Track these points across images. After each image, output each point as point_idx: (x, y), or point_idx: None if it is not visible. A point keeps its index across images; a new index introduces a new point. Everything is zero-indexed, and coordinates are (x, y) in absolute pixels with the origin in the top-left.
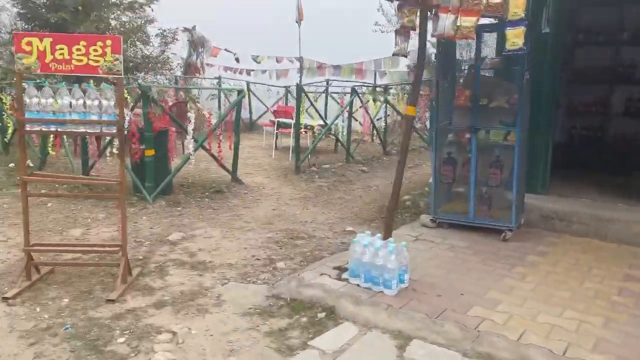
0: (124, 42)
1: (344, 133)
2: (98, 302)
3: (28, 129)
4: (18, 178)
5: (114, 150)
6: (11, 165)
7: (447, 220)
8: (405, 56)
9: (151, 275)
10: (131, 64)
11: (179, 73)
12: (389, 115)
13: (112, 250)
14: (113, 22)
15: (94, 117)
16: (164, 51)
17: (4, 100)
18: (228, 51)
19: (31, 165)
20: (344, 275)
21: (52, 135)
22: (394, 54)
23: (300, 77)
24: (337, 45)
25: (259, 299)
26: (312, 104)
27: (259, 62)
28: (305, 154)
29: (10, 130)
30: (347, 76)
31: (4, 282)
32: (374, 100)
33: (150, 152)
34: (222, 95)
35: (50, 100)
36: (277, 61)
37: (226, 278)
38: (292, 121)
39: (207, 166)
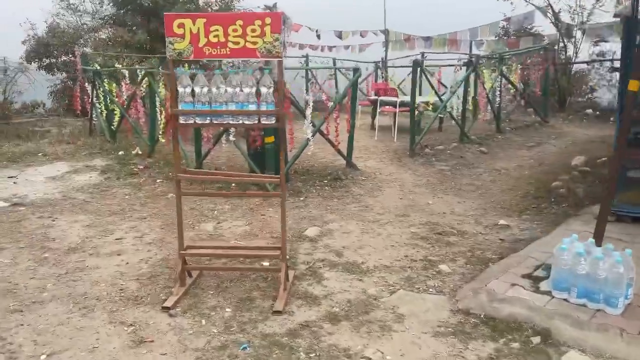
0: None
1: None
2: (263, 312)
3: (182, 122)
4: (138, 167)
5: (231, 137)
6: (120, 153)
7: (631, 213)
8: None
9: (306, 279)
10: None
11: None
12: (505, 88)
13: (272, 256)
14: (201, 2)
15: (252, 107)
16: None
17: (111, 88)
18: (309, 28)
19: (139, 152)
20: (542, 287)
21: (162, 121)
22: (615, 15)
23: (386, 51)
24: (426, 14)
25: (444, 314)
26: (428, 79)
27: (344, 38)
28: (421, 134)
29: (117, 118)
30: (439, 48)
31: (156, 288)
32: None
33: (270, 139)
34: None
35: (205, 89)
36: (361, 35)
37: (390, 284)
38: (397, 99)
39: (314, 151)
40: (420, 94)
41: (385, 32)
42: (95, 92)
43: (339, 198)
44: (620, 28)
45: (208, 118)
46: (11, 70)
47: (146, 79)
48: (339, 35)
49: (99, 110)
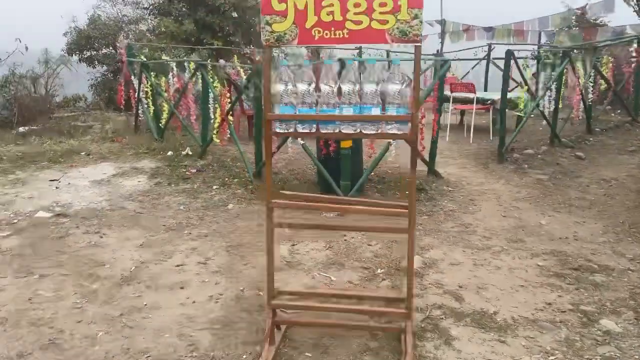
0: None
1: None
2: None
3: (279, 131)
4: (190, 171)
5: (300, 140)
6: (169, 153)
7: None
8: None
9: (429, 337)
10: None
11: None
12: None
13: (395, 314)
14: None
15: (376, 111)
16: None
17: (159, 82)
18: None
19: (190, 153)
20: None
21: (216, 120)
22: None
23: (442, 42)
24: (487, 2)
25: None
26: (521, 73)
27: None
28: (511, 136)
29: (165, 115)
30: (502, 39)
31: (235, 343)
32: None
33: (347, 144)
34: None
35: (312, 86)
36: None
37: (547, 351)
38: (474, 95)
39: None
40: (485, 90)
41: (442, 22)
42: (141, 86)
43: (429, 214)
44: None
45: (313, 126)
46: (53, 62)
47: (198, 72)
48: None
49: (146, 105)
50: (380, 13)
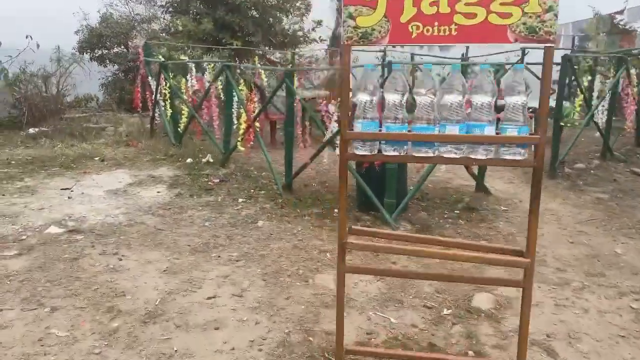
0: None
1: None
2: None
3: (360, 152)
4: (212, 181)
5: (337, 148)
6: (189, 160)
7: None
8: None
9: None
10: (284, 39)
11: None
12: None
13: None
14: None
15: (489, 130)
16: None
17: (178, 84)
18: None
19: (211, 161)
20: None
21: (241, 126)
22: None
23: (467, 46)
24: None
25: None
26: (578, 82)
27: None
28: (566, 150)
29: (184, 119)
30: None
31: None
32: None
33: None
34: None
35: (403, 97)
36: None
37: None
38: None
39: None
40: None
41: None
42: (159, 87)
43: (486, 239)
44: None
45: (404, 147)
46: (65, 60)
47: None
48: None
49: (163, 108)
50: (502, 4)
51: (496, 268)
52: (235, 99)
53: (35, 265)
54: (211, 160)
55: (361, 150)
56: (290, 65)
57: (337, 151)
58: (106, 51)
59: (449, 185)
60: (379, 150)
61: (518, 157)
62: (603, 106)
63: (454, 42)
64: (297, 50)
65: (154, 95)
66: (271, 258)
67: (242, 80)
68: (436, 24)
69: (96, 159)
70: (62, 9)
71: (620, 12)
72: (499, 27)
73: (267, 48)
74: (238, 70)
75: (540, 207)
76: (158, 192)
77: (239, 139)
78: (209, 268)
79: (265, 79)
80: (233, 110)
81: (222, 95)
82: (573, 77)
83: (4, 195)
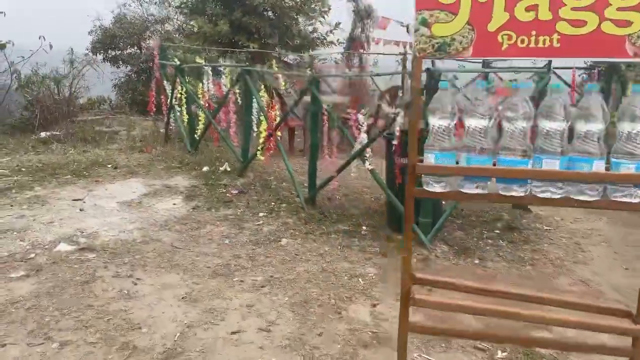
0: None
1: None
2: None
3: (434, 189)
4: (231, 192)
5: (367, 165)
6: (205, 169)
7: None
8: None
9: None
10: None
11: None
12: None
13: None
14: None
15: (599, 166)
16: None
17: (195, 88)
18: (400, 23)
19: (228, 169)
20: None
21: (261, 134)
22: None
23: None
24: None
25: None
26: (621, 95)
27: None
28: None
29: (201, 125)
30: None
31: None
32: None
33: None
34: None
35: (483, 122)
36: None
37: None
38: None
39: None
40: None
41: None
42: (174, 91)
43: (533, 264)
44: None
45: (487, 183)
46: (78, 62)
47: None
48: None
49: (178, 113)
50: (619, 9)
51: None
52: (255, 105)
53: (44, 290)
54: (228, 169)
55: (435, 186)
56: (309, 68)
57: (367, 165)
58: (119, 52)
59: (482, 202)
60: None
61: (634, 200)
62: None
63: (556, 55)
64: (311, 52)
65: (169, 100)
66: (298, 284)
67: (262, 86)
68: (534, 33)
69: (109, 166)
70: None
71: None
72: (614, 38)
73: (283, 51)
74: (266, 74)
75: (584, 225)
76: (174, 204)
77: (259, 147)
78: (231, 295)
79: (283, 84)
80: (252, 117)
81: (239, 101)
82: None
83: (12, 206)
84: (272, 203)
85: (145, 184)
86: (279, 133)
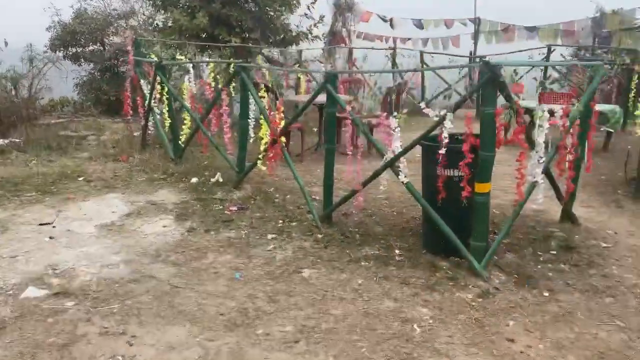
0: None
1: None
2: None
3: None
4: (229, 209)
5: (402, 177)
6: (194, 180)
7: None
8: None
9: None
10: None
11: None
12: None
13: None
14: None
15: None
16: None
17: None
18: (382, 18)
19: (221, 180)
20: None
21: (263, 140)
22: None
23: (475, 44)
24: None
25: None
26: None
27: (425, 28)
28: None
29: (186, 129)
30: (548, 39)
31: None
32: None
33: (485, 187)
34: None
35: None
36: (446, 25)
37: None
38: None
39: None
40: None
41: (476, 21)
42: (153, 91)
43: (613, 295)
44: None
45: None
46: (38, 60)
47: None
48: (419, 25)
49: (159, 116)
50: None
51: None
52: (253, 106)
53: None
54: (221, 180)
55: None
56: (298, 64)
57: (402, 177)
58: (81, 49)
59: (523, 213)
60: None
61: None
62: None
63: None
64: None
65: (146, 101)
66: (340, 335)
67: (262, 86)
68: None
69: (80, 179)
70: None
71: None
72: None
73: (267, 46)
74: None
75: None
76: (164, 226)
77: (260, 155)
78: (258, 356)
79: (271, 80)
80: (250, 120)
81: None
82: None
83: None
84: (280, 221)
85: (126, 200)
86: (283, 139)
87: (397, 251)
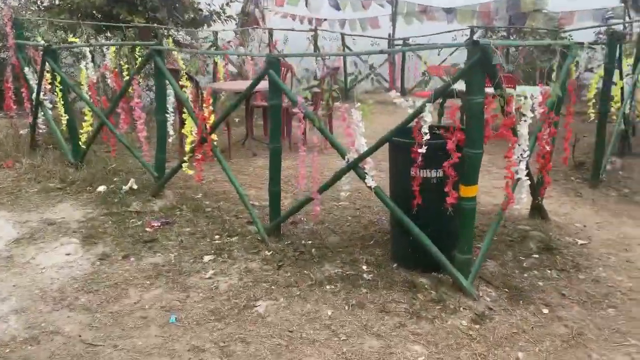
0: None
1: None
2: None
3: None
4: (151, 225)
5: (370, 182)
6: (101, 189)
7: None
8: None
9: None
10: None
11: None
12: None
13: None
14: None
15: None
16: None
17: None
18: None
19: (135, 187)
20: None
21: (188, 138)
22: None
23: (393, 26)
24: None
25: None
26: (620, 66)
27: (343, 9)
28: (605, 154)
29: (86, 126)
30: (466, 21)
31: None
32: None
33: (471, 191)
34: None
35: None
36: (363, 7)
37: None
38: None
39: None
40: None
41: (394, 2)
42: (41, 81)
43: (613, 305)
44: None
45: None
46: None
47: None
48: (335, 6)
49: (50, 111)
50: None
51: None
52: (172, 98)
53: None
54: (135, 187)
55: None
56: (214, 47)
57: (369, 181)
58: None
59: (486, 209)
60: None
61: None
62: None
63: None
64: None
65: (33, 93)
66: None
67: (183, 74)
68: None
69: None
70: None
71: None
72: None
73: (175, 27)
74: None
75: (615, 233)
76: (68, 254)
77: (186, 157)
78: None
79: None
80: (168, 115)
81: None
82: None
83: None
84: (217, 237)
85: (14, 220)
86: (214, 137)
87: (364, 267)
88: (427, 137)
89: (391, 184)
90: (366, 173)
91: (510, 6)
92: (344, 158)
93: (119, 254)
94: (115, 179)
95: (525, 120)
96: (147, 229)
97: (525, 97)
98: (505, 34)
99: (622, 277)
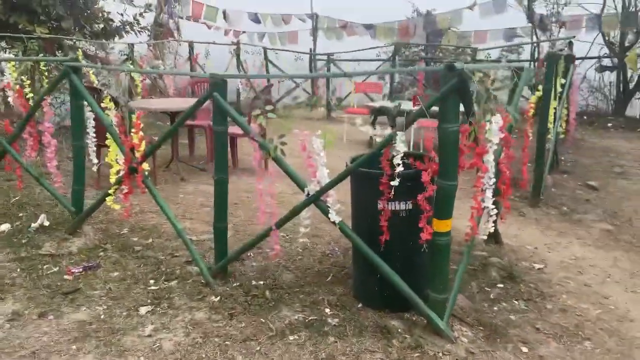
0: None
1: None
2: None
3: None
4: (70, 271)
5: (333, 216)
6: (5, 227)
7: None
8: None
9: None
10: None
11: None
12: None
13: None
14: None
15: None
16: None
17: None
18: (215, 9)
19: (46, 224)
20: None
21: (113, 168)
22: None
23: (314, 40)
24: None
25: None
26: (555, 81)
27: (263, 22)
28: (544, 172)
29: None
30: (385, 38)
31: None
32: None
33: (446, 226)
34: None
35: None
36: (283, 21)
37: None
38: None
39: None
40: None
41: (314, 16)
42: None
43: (588, 337)
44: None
45: None
46: None
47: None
48: (255, 19)
49: None
50: None
51: None
52: (91, 122)
53: None
54: (47, 224)
55: None
56: (130, 61)
57: (333, 216)
58: None
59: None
60: None
61: None
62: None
63: None
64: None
65: None
66: None
67: (105, 94)
68: None
69: None
70: None
71: (471, 6)
72: None
73: (84, 38)
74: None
75: (566, 255)
76: None
77: (111, 190)
78: None
79: (98, 83)
80: (88, 141)
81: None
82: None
83: None
84: (152, 281)
85: None
86: (146, 165)
87: (327, 310)
88: (400, 168)
89: (354, 217)
90: (328, 207)
91: (427, 24)
92: (303, 191)
93: (34, 312)
94: (21, 215)
95: (491, 147)
96: (67, 277)
97: (491, 123)
98: (424, 53)
99: (586, 304)
